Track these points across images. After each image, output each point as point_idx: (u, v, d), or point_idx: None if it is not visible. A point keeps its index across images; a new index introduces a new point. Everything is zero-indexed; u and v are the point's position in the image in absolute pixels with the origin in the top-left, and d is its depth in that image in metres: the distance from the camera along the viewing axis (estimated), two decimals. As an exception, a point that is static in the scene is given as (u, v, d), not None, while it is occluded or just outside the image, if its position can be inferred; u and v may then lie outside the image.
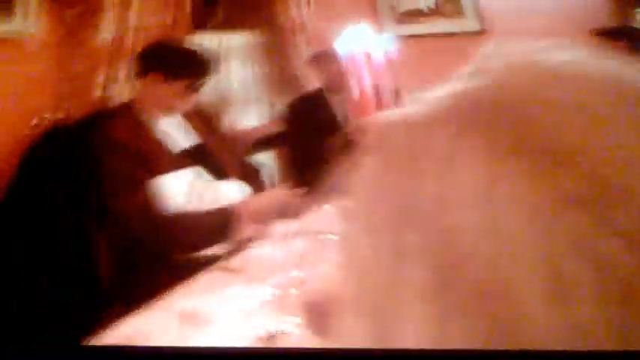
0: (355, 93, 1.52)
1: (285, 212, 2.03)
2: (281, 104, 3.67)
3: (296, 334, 1.22)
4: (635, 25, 3.07)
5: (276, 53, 3.54)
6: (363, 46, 1.53)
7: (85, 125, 2.27)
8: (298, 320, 1.22)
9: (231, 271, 1.61)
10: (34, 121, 2.31)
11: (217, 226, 1.94)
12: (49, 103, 2.38)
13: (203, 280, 1.59)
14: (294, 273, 1.36)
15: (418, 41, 3.90)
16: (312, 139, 2.73)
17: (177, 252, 1.95)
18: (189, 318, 1.35)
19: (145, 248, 1.98)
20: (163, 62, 2.10)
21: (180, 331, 1.30)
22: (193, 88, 2.13)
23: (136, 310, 1.38)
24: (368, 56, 1.60)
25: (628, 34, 2.39)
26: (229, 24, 3.37)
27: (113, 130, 2.03)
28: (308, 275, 1.35)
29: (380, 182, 0.47)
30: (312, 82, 3.44)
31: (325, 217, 1.93)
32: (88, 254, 2.15)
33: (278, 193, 2.18)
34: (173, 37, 2.69)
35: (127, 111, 2.12)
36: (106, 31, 2.43)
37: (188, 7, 2.74)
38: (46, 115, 2.34)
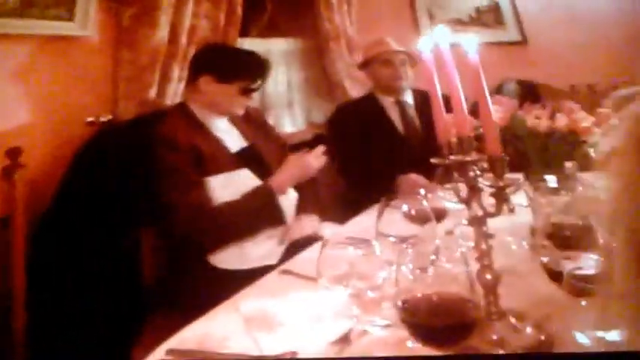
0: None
1: (310, 173, 2.14)
2: (318, 110, 3.67)
3: (376, 335, 1.18)
4: None
5: (317, 59, 3.55)
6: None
7: (140, 124, 2.26)
8: (381, 321, 1.17)
9: (296, 274, 1.56)
10: (89, 119, 2.29)
11: (258, 204, 2.02)
12: (104, 103, 2.37)
13: (267, 283, 1.54)
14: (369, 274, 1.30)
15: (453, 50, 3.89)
16: (362, 143, 2.70)
17: (229, 239, 1.99)
18: (258, 321, 1.30)
19: (193, 247, 1.99)
20: (216, 64, 2.11)
21: (250, 335, 1.25)
22: (247, 91, 2.13)
23: (187, 314, 1.34)
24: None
25: None
26: (273, 29, 3.37)
27: (169, 128, 2.03)
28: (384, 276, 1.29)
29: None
30: (354, 88, 3.45)
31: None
32: (135, 255, 2.13)
33: (299, 158, 2.16)
34: (225, 39, 2.67)
35: (182, 111, 2.13)
36: (162, 31, 2.41)
37: (239, 10, 2.72)
38: (101, 114, 2.32)
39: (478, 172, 1.15)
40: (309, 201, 2.21)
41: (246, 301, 1.42)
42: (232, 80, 2.09)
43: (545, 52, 3.60)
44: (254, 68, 2.15)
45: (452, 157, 1.17)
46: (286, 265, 1.66)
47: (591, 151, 1.59)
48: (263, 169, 2.13)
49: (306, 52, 3.56)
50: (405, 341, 1.13)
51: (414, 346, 1.11)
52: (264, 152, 2.21)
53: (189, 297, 1.96)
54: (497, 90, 3.58)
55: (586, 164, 1.63)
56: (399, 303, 0.94)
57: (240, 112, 2.16)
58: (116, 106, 2.36)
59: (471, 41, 1.10)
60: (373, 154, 2.66)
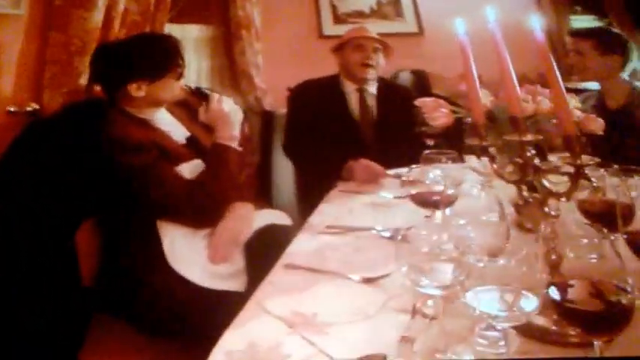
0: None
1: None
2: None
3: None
4: (604, 26, 3.25)
5: (225, 48, 3.37)
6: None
7: (75, 118, 1.94)
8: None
9: (307, 268, 1.41)
10: (12, 109, 1.92)
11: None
12: (29, 90, 1.99)
13: (279, 280, 1.38)
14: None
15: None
16: (315, 123, 2.59)
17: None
18: (301, 323, 1.15)
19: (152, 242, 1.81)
20: (143, 67, 1.89)
21: (306, 340, 1.10)
22: (180, 76, 1.97)
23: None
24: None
25: (596, 34, 2.50)
26: (185, 16, 3.10)
27: (121, 131, 1.84)
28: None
29: None
30: (258, 76, 3.32)
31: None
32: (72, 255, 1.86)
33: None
34: (153, 25, 2.37)
35: (119, 113, 1.91)
36: (97, 13, 2.06)
37: None
38: (26, 103, 1.95)
39: (533, 152, 1.12)
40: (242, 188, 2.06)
41: (272, 300, 1.24)
42: (165, 74, 1.91)
43: (439, 43, 3.72)
44: (176, 50, 1.96)
45: (507, 138, 1.12)
46: (286, 259, 1.50)
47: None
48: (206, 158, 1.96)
49: (216, 39, 3.35)
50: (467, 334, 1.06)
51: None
52: (203, 140, 2.02)
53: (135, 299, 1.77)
54: (393, 78, 3.65)
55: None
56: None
57: (180, 96, 2.00)
58: (42, 95, 1.98)
59: (536, 21, 1.04)
60: (324, 136, 2.55)
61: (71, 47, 2.01)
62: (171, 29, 2.77)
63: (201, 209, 1.85)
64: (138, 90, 1.87)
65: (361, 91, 2.70)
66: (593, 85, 2.57)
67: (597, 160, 1.12)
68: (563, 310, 0.82)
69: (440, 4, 3.66)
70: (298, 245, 1.61)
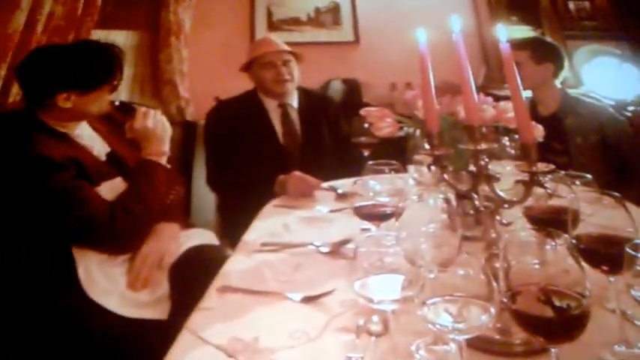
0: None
1: None
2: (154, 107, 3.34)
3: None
4: (538, 36, 3.35)
5: (149, 55, 3.23)
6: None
7: None
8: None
9: (243, 289, 1.33)
10: None
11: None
12: None
13: (213, 304, 1.29)
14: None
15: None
16: (239, 145, 2.49)
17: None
18: (243, 351, 1.07)
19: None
20: (76, 77, 1.74)
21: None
22: (114, 88, 1.85)
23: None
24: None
25: (532, 44, 2.56)
26: (113, 21, 2.96)
27: (40, 147, 1.69)
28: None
29: None
30: (182, 84, 3.22)
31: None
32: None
33: None
34: (79, 31, 2.22)
35: (36, 125, 1.76)
36: (20, 16, 1.90)
37: (99, 0, 2.29)
38: None
39: (487, 160, 1.09)
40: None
41: (208, 328, 1.16)
42: (101, 86, 1.78)
43: (374, 51, 3.74)
44: (116, 63, 1.83)
45: (461, 147, 1.09)
46: (220, 282, 1.41)
47: (505, 141, 1.66)
48: (128, 175, 1.86)
49: (141, 46, 3.21)
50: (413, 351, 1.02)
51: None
52: (125, 156, 1.91)
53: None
54: (324, 87, 3.64)
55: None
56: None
57: (107, 110, 1.87)
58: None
59: (502, 31, 1.03)
60: (249, 157, 2.46)
61: None
62: (95, 35, 2.63)
63: (123, 233, 1.72)
64: (66, 101, 1.73)
65: (283, 107, 2.61)
66: (526, 93, 2.64)
67: (552, 167, 1.12)
68: (523, 319, 0.79)
69: (378, 12, 3.69)
70: (233, 265, 1.53)
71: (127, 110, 1.89)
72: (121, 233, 1.71)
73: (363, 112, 1.62)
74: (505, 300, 0.82)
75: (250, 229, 1.85)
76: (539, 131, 1.67)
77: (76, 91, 1.73)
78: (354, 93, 3.72)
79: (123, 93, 3.20)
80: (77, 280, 1.68)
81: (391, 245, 1.03)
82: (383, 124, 1.56)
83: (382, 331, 1.08)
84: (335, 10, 3.71)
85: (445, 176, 1.16)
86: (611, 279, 0.98)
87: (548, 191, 1.09)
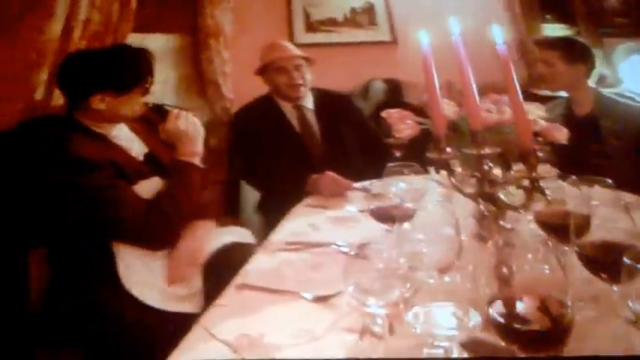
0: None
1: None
2: (191, 109, 3.42)
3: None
4: (569, 36, 3.27)
5: (192, 57, 3.32)
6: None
7: (32, 136, 1.90)
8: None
9: (259, 287, 1.38)
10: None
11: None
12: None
13: (230, 301, 1.34)
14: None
15: (330, 49, 3.89)
16: (265, 148, 2.54)
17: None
18: (246, 347, 1.11)
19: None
20: (109, 79, 1.82)
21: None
22: (146, 91, 1.91)
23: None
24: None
25: (563, 44, 2.51)
26: (152, 25, 3.06)
27: (77, 148, 1.76)
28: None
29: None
30: (226, 85, 3.29)
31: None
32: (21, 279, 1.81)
33: None
34: (115, 36, 2.32)
35: (75, 127, 1.85)
36: (56, 23, 2.00)
37: (134, 4, 2.40)
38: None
39: (490, 165, 1.10)
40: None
41: (219, 324, 1.21)
42: (132, 88, 1.85)
43: (413, 51, 3.71)
44: (147, 65, 1.91)
45: (466, 151, 1.10)
46: (240, 279, 1.46)
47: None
48: (166, 174, 1.91)
49: (182, 49, 3.31)
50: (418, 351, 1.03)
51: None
52: (163, 156, 1.98)
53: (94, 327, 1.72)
54: (365, 87, 3.64)
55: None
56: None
57: (142, 112, 1.93)
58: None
59: (497, 32, 1.03)
60: (277, 159, 2.52)
61: (25, 60, 1.95)
62: (135, 39, 2.72)
63: (158, 230, 1.79)
64: (100, 102, 1.81)
65: (298, 109, 2.66)
66: (562, 93, 2.59)
67: (555, 171, 1.11)
68: (502, 329, 0.80)
69: (413, 12, 3.67)
70: (254, 264, 1.58)
71: (160, 112, 1.96)
72: (154, 231, 1.78)
73: (383, 114, 1.63)
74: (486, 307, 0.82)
75: (277, 228, 1.89)
76: (563, 134, 1.65)
77: (109, 92, 1.81)
78: (395, 93, 3.71)
79: (169, 94, 3.31)
80: (117, 274, 1.76)
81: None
82: (403, 126, 1.57)
83: (385, 333, 1.09)
84: (370, 10, 3.71)
85: (452, 180, 1.17)
86: (615, 288, 0.97)
87: (549, 197, 1.08)
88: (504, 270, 1.01)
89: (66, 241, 1.82)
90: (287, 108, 2.66)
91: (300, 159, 2.55)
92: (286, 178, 2.39)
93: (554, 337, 0.77)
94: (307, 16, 3.66)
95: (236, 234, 2.01)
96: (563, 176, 1.29)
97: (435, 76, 1.17)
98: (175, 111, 1.96)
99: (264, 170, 2.52)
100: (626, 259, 0.86)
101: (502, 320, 0.80)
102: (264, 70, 2.67)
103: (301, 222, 1.95)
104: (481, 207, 1.09)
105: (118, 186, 1.77)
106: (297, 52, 2.66)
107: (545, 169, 1.04)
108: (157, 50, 3.11)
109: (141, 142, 1.97)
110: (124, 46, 2.15)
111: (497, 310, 0.81)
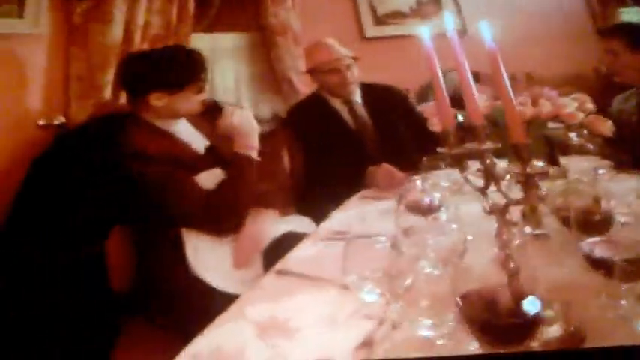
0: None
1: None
2: (265, 105, 3.57)
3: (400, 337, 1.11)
4: (631, 22, 3.09)
5: (264, 54, 3.44)
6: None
7: (98, 129, 2.09)
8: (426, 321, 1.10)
9: (297, 274, 1.47)
10: (42, 122, 2.12)
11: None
12: (56, 104, 2.17)
13: (268, 285, 1.45)
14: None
15: (398, 42, 3.88)
16: (320, 143, 2.63)
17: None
18: (271, 328, 1.21)
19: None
20: (163, 78, 2.00)
21: (268, 344, 1.15)
22: (200, 89, 2.07)
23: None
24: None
25: (625, 31, 2.34)
26: (220, 25, 3.23)
27: (138, 142, 1.97)
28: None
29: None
30: (300, 81, 3.38)
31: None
32: (102, 262, 2.01)
33: None
34: (177, 37, 2.51)
35: (138, 123, 2.04)
36: (115, 28, 2.23)
37: (191, 6, 2.57)
38: (54, 116, 2.14)
39: (495, 161, 1.12)
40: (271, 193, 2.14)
41: (252, 306, 1.31)
42: (185, 86, 2.02)
43: (481, 42, 3.65)
44: (199, 65, 2.07)
45: (468, 146, 1.13)
46: (281, 265, 1.56)
47: (573, 137, 1.61)
48: (226, 166, 2.07)
49: (253, 46, 3.45)
50: (431, 341, 1.08)
51: (444, 344, 1.07)
52: (223, 150, 2.13)
53: (167, 305, 1.89)
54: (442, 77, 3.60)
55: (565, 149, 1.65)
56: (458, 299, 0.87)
57: (198, 109, 2.09)
58: (69, 108, 2.16)
59: (486, 29, 1.05)
60: (333, 155, 2.60)
61: (92, 62, 2.18)
62: (202, 39, 2.90)
63: (220, 217, 1.95)
64: (157, 100, 1.99)
65: (349, 104, 2.72)
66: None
67: (549, 167, 1.11)
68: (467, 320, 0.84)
69: (481, 1, 3.61)
70: (297, 251, 1.68)
71: (217, 109, 2.11)
72: (217, 218, 1.94)
73: (419, 108, 1.67)
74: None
75: (328, 219, 1.98)
76: (607, 126, 1.61)
77: (165, 90, 1.98)
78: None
79: (243, 91, 3.47)
80: (185, 258, 1.92)
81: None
82: (436, 120, 1.61)
83: (400, 321, 1.15)
84: (436, 1, 3.69)
85: (464, 175, 1.20)
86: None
87: (543, 194, 1.09)
88: (511, 264, 1.05)
89: (140, 227, 2.01)
90: (337, 103, 2.73)
91: (356, 153, 2.62)
92: (345, 172, 2.46)
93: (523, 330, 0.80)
94: (374, 10, 3.70)
95: (295, 223, 2.13)
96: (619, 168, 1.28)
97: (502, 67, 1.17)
98: (230, 107, 2.10)
99: (323, 167, 2.60)
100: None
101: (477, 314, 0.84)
102: (314, 70, 2.75)
103: (352, 213, 2.02)
104: (484, 203, 1.11)
105: (178, 176, 1.93)
106: (346, 52, 2.73)
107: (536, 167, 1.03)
108: (228, 49, 3.30)
109: (202, 136, 2.13)
110: (176, 47, 2.32)
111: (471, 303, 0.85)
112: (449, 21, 1.14)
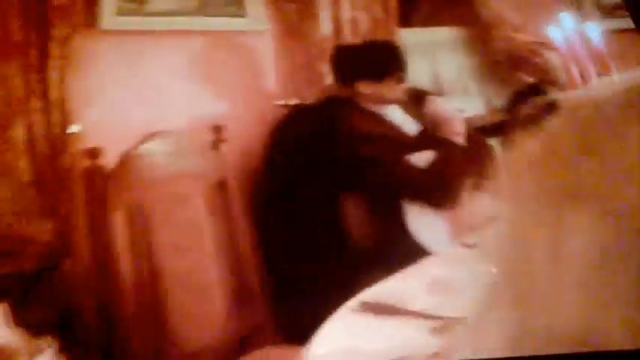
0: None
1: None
2: (497, 94, 3.56)
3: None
4: None
5: (480, 46, 3.42)
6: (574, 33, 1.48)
7: (324, 112, 2.40)
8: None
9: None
10: (280, 102, 2.52)
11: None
12: (290, 88, 2.61)
13: (448, 254, 1.68)
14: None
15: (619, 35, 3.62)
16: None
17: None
18: (439, 287, 1.40)
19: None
20: (367, 69, 2.26)
21: (429, 299, 1.35)
22: (400, 79, 2.30)
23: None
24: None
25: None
26: (433, 19, 3.36)
27: (359, 123, 2.22)
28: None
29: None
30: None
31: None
32: (337, 221, 2.25)
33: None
34: (385, 31, 2.75)
35: (355, 107, 2.30)
36: (325, 25, 2.55)
37: (394, 2, 2.78)
38: (289, 98, 2.56)
39: None
40: None
41: (433, 266, 1.55)
42: (386, 76, 2.26)
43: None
44: (397, 57, 2.30)
45: None
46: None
47: None
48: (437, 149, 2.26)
49: (470, 39, 3.44)
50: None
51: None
52: (433, 134, 2.32)
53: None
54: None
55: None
56: None
57: (404, 98, 2.33)
58: (299, 92, 2.55)
59: (594, 29, 1.11)
60: None
61: (311, 54, 2.55)
62: (414, 33, 3.08)
63: (428, 194, 2.17)
64: (365, 87, 2.27)
65: None
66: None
67: None
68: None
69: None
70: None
71: (421, 97, 2.34)
72: (431, 193, 2.17)
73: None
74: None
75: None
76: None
77: (369, 79, 2.26)
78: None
79: (469, 81, 3.46)
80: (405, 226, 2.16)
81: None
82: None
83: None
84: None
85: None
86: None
87: None
88: None
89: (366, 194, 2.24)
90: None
91: None
92: None
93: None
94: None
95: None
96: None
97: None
98: (432, 97, 2.32)
99: None
100: None
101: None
102: None
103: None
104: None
105: (392, 154, 2.17)
106: None
107: None
108: (446, 42, 3.39)
109: (413, 121, 2.35)
110: (377, 40, 2.57)
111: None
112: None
